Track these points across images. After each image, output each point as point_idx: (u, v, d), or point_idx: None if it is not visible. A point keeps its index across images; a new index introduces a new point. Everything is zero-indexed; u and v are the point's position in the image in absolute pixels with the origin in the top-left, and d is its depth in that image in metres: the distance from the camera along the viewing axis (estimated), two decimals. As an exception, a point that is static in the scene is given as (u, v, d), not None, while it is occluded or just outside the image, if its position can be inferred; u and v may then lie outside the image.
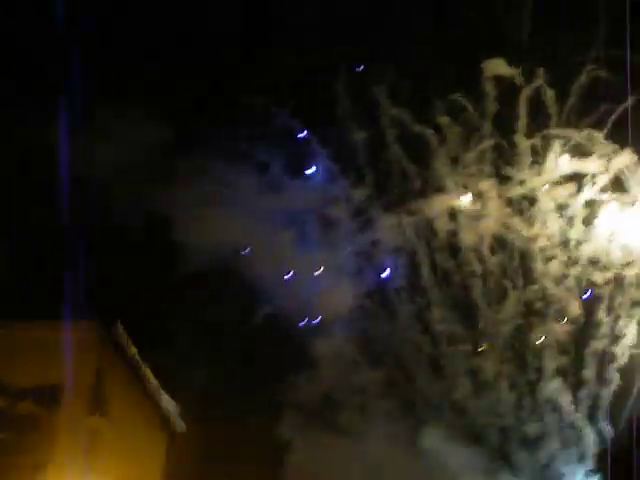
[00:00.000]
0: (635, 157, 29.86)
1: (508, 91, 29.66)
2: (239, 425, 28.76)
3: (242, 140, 29.49)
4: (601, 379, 33.44)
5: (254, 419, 29.33)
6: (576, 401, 33.86)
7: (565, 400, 33.99)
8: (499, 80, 29.56)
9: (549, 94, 29.48)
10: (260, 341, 30.06)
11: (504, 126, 29.87)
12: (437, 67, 29.15)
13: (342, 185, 30.00)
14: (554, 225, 29.85)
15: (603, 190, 30.18)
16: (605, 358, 33.29)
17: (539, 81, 29.40)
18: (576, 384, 33.72)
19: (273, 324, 30.30)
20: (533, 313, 31.53)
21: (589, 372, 33.76)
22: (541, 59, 29.54)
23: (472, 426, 33.39)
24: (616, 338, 32.64)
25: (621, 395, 33.40)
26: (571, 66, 29.53)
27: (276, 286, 31.58)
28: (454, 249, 30.31)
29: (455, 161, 30.01)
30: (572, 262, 30.39)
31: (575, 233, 29.91)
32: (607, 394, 33.40)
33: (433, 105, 29.63)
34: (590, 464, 33.49)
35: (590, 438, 34.55)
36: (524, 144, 29.76)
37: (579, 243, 30.05)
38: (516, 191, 29.85)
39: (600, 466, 32.30)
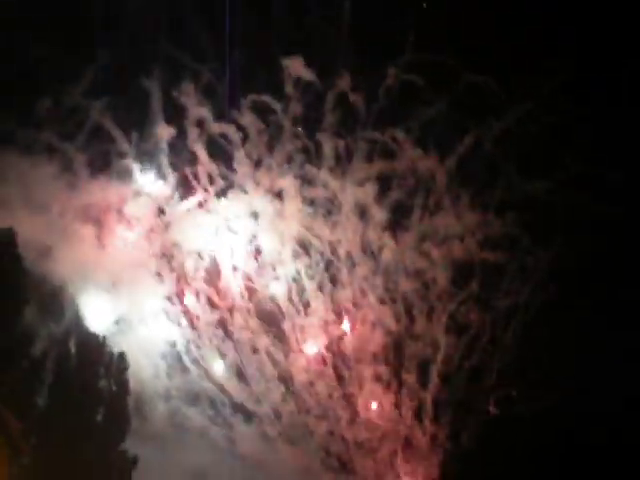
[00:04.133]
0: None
1: (314, 93, 29.56)
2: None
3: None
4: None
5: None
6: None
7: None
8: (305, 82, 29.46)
9: (354, 98, 29.34)
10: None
11: (310, 127, 29.71)
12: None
13: (144, 181, 29.72)
14: (356, 229, 29.46)
15: (409, 193, 29.99)
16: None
17: (344, 84, 29.26)
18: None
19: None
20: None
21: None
22: (349, 63, 29.48)
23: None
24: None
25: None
26: (379, 69, 29.48)
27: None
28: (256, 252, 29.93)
29: (259, 162, 29.77)
30: (377, 268, 29.99)
31: (377, 237, 29.57)
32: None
33: (238, 103, 29.44)
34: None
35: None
36: (329, 146, 29.58)
37: (381, 248, 29.70)
38: (319, 193, 29.59)
39: None
